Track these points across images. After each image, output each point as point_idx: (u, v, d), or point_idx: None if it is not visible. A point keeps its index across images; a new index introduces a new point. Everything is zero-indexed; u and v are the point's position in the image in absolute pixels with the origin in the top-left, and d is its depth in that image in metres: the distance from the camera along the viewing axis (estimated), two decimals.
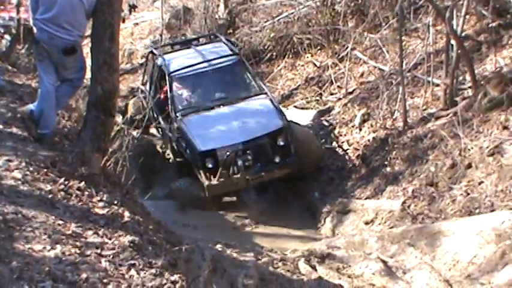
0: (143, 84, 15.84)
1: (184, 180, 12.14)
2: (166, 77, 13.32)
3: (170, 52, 14.71)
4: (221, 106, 12.74)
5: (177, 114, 12.61)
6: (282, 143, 11.95)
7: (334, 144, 13.44)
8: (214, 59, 13.49)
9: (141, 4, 25.70)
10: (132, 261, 5.13)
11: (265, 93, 12.96)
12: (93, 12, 7.23)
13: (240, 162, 11.56)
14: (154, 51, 15.04)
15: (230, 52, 13.82)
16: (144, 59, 19.01)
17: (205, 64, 13.41)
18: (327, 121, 14.25)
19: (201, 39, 15.96)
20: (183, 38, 19.14)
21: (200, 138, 11.94)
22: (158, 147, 14.88)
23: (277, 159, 11.83)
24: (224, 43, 14.42)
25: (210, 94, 13.20)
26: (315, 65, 16.61)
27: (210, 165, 11.63)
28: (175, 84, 13.22)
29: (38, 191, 5.94)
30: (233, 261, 7.33)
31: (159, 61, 14.13)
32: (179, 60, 13.84)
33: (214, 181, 11.48)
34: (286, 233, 11.09)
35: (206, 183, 11.49)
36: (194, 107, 12.91)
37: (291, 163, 11.93)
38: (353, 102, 14.27)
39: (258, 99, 12.88)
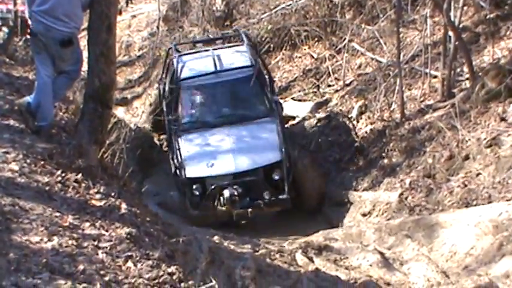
0: (161, 80, 14.75)
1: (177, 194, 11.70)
2: (176, 84, 12.55)
3: (188, 54, 13.66)
4: (223, 125, 11.95)
5: (177, 129, 11.96)
6: (276, 178, 11.18)
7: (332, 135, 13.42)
8: (229, 69, 12.58)
9: None
10: (129, 253, 5.13)
11: (274, 116, 12.02)
12: (90, 4, 7.22)
13: (227, 195, 10.74)
14: (173, 50, 13.85)
15: (249, 59, 12.80)
16: (141, 51, 19.08)
17: (218, 74, 12.51)
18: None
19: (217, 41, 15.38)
20: (208, 35, 18.42)
21: (191, 162, 11.34)
22: (155, 140, 14.88)
23: (267, 196, 10.96)
24: (246, 46, 13.34)
25: (216, 110, 12.56)
26: (313, 56, 16.60)
27: (196, 193, 11.05)
28: (182, 94, 12.51)
29: (35, 183, 5.94)
30: (231, 253, 7.33)
31: (174, 62, 13.12)
32: (193, 65, 12.95)
33: (197, 212, 10.95)
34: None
35: (190, 211, 11.00)
36: (196, 123, 12.27)
37: (283, 201, 11.02)
38: (350, 94, 14.28)
39: (264, 123, 11.99)
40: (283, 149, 11.33)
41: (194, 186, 11.07)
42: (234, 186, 10.86)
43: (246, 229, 10.72)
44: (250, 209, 10.78)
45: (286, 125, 14.47)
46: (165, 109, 12.58)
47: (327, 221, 11.26)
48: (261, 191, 11.00)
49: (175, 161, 11.52)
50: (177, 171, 11.43)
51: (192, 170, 11.18)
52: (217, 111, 12.49)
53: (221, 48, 13.67)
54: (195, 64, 12.99)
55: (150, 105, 15.55)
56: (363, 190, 11.37)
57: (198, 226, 10.04)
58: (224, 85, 12.52)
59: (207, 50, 13.48)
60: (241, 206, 10.81)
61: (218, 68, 12.54)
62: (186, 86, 12.48)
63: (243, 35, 14.16)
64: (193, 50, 14.34)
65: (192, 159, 11.37)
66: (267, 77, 13.03)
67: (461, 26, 12.20)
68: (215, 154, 11.44)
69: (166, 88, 12.95)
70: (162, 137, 14.72)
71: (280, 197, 11.00)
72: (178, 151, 11.48)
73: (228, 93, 12.61)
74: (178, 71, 12.65)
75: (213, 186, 10.94)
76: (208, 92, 12.67)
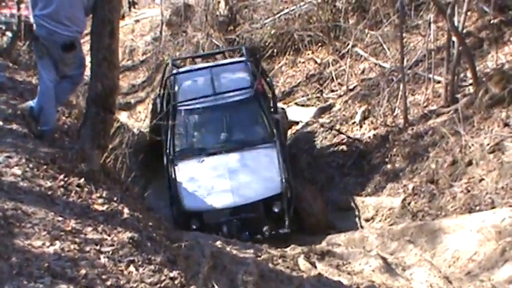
0: (158, 96, 14.03)
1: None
2: (172, 107, 11.82)
3: (185, 72, 13.03)
4: (221, 152, 11.34)
5: (173, 157, 11.40)
6: (276, 210, 10.65)
7: (335, 140, 13.43)
8: (227, 92, 11.91)
9: (142, 1, 25.71)
10: (131, 258, 5.13)
11: (275, 141, 11.34)
12: (93, 9, 7.22)
13: (225, 229, 10.32)
14: (170, 65, 13.43)
15: (249, 79, 12.15)
16: (144, 56, 19.07)
17: (216, 97, 11.85)
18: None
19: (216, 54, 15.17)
20: (211, 40, 18.26)
21: (188, 194, 10.78)
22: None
23: (267, 231, 10.43)
24: (246, 64, 12.72)
25: (213, 135, 11.88)
26: (316, 62, 16.62)
27: (194, 226, 10.38)
28: (178, 118, 11.82)
29: (37, 187, 5.94)
30: (233, 257, 7.32)
31: (171, 81, 12.48)
32: (190, 86, 12.34)
33: None
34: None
35: None
36: (192, 150, 11.69)
37: (283, 236, 10.42)
38: (354, 99, 14.28)
39: (263, 149, 11.33)
40: (283, 180, 10.75)
41: (191, 220, 10.56)
42: (233, 221, 10.47)
43: None
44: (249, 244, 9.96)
45: (290, 131, 14.52)
46: (162, 132, 11.94)
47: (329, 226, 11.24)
48: (260, 225, 10.51)
49: (172, 190, 11.03)
50: (173, 201, 10.94)
51: (189, 203, 10.69)
52: (215, 137, 11.82)
53: (220, 65, 12.99)
54: (192, 85, 12.43)
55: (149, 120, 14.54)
56: (366, 195, 11.37)
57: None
58: (222, 108, 11.88)
59: (205, 68, 12.85)
60: (240, 240, 9.91)
61: (216, 90, 11.94)
62: (182, 109, 11.89)
63: (243, 49, 13.75)
64: (191, 67, 13.89)
65: (188, 191, 10.84)
66: (270, 94, 12.49)
67: (464, 31, 12.21)
68: (214, 184, 10.84)
69: (164, 108, 12.17)
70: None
71: (281, 231, 10.50)
72: (174, 180, 11.02)
73: (226, 117, 11.95)
74: (175, 91, 12.12)
75: (210, 221, 10.50)
76: (205, 116, 12.02)
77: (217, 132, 11.85)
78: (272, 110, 12.02)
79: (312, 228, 10.82)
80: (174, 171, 11.12)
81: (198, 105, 11.88)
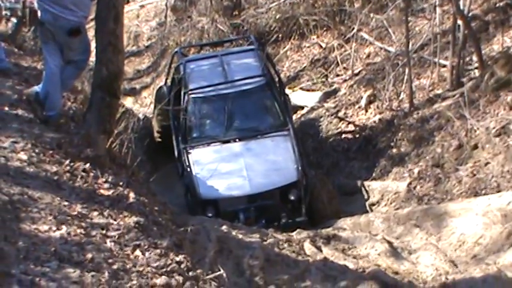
0: (165, 85, 13.83)
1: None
2: (183, 95, 11.77)
3: (195, 59, 12.97)
4: (235, 140, 11.25)
5: (186, 145, 11.25)
6: (292, 198, 10.53)
7: (340, 125, 13.42)
8: (240, 79, 11.87)
9: None
10: (137, 242, 5.15)
11: (288, 129, 11.27)
12: None
13: (241, 217, 10.18)
14: (179, 54, 13.24)
15: (260, 66, 12.11)
16: (149, 41, 19.02)
17: (228, 85, 11.82)
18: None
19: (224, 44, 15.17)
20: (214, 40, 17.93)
21: (203, 182, 10.63)
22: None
23: (284, 219, 10.33)
24: (256, 52, 12.64)
25: (227, 123, 11.60)
26: (321, 46, 16.57)
27: (209, 214, 10.07)
28: (191, 106, 11.72)
29: (43, 172, 5.96)
30: (239, 242, 7.33)
31: (180, 69, 12.41)
32: (201, 74, 12.25)
33: None
34: None
35: None
36: (206, 137, 11.46)
37: (300, 223, 10.12)
38: (359, 83, 14.25)
39: (277, 137, 11.24)
40: (299, 168, 10.66)
41: (207, 208, 10.38)
42: (250, 209, 10.36)
43: None
44: None
45: (295, 116, 14.50)
46: (172, 120, 11.97)
47: None
48: (277, 213, 10.41)
49: (185, 178, 10.95)
50: (188, 189, 10.84)
51: (205, 191, 10.52)
52: (229, 125, 11.61)
53: (230, 53, 13.01)
54: (203, 72, 12.34)
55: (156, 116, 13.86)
56: (372, 180, 11.37)
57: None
58: (235, 96, 11.74)
59: (215, 56, 12.88)
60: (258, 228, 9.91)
61: (228, 78, 11.95)
62: (195, 96, 11.77)
63: (252, 37, 13.67)
64: (201, 55, 13.83)
65: (204, 179, 10.69)
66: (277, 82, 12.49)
67: (470, 14, 12.15)
68: (228, 174, 10.74)
69: (171, 96, 12.15)
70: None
71: (298, 219, 10.34)
72: (188, 168, 10.90)
73: (239, 105, 11.76)
74: (186, 79, 12.02)
75: (227, 209, 10.36)
76: (218, 103, 11.80)
77: (230, 120, 11.69)
78: (282, 98, 11.98)
79: (320, 216, 10.63)
80: (188, 159, 11.02)
81: (210, 93, 11.81)
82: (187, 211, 10.42)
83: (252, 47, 13.00)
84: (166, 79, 13.73)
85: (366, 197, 10.94)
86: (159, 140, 12.97)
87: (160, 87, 13.87)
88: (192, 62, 12.60)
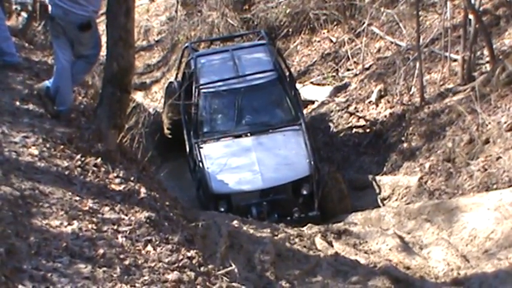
0: (176, 79, 13.77)
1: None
2: (194, 90, 11.74)
3: (205, 54, 12.96)
4: (247, 135, 11.22)
5: (198, 140, 11.24)
6: (305, 193, 10.52)
7: (351, 119, 13.39)
8: (250, 74, 11.87)
9: None
10: (149, 237, 5.16)
11: (300, 124, 11.26)
12: None
13: (254, 211, 10.13)
14: (190, 50, 13.13)
15: (271, 61, 12.09)
16: (159, 36, 19.00)
17: (239, 80, 11.82)
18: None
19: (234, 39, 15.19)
20: (226, 19, 18.09)
21: (215, 177, 10.65)
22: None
23: (297, 213, 10.29)
24: (267, 47, 12.63)
25: (239, 117, 11.61)
26: (331, 40, 16.53)
27: (222, 209, 10.10)
28: (202, 100, 11.70)
29: (54, 167, 5.96)
30: (250, 237, 7.32)
31: (191, 64, 12.41)
32: (212, 68, 12.28)
33: None
34: None
35: None
36: (218, 132, 11.45)
37: (312, 218, 10.13)
38: (370, 78, 14.21)
39: (289, 132, 11.26)
40: (312, 162, 10.66)
41: (220, 203, 10.38)
42: (262, 204, 10.30)
43: None
44: None
45: (306, 111, 14.49)
46: (183, 115, 11.93)
47: None
48: (290, 207, 10.37)
49: (197, 173, 10.96)
50: (200, 184, 10.85)
51: (217, 186, 10.55)
52: (240, 119, 11.62)
53: (241, 48, 13.04)
54: (214, 67, 12.35)
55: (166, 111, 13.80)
56: (382, 174, 11.35)
57: None
58: (247, 91, 11.72)
59: (226, 50, 12.86)
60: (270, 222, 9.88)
61: (239, 72, 11.92)
62: (206, 91, 11.75)
63: (262, 32, 13.59)
64: (211, 50, 13.85)
65: (216, 173, 10.70)
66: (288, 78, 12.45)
67: (481, 8, 12.09)
68: (240, 168, 10.75)
69: (182, 91, 12.10)
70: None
71: (310, 214, 10.34)
72: (200, 163, 10.89)
73: (250, 99, 11.77)
74: (197, 74, 12.01)
75: (239, 203, 10.37)
76: (229, 98, 11.79)
77: (241, 114, 11.69)
78: (294, 93, 11.99)
79: (331, 214, 10.56)
80: (199, 154, 11.01)
81: (221, 88, 11.82)
82: (200, 206, 10.47)
83: (262, 41, 12.97)
84: (177, 74, 13.71)
85: (377, 191, 10.91)
86: (170, 135, 12.95)
87: (171, 83, 13.82)
88: (202, 57, 12.57)
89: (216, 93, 11.82)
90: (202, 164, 10.86)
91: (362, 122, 13.16)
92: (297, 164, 10.75)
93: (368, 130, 12.84)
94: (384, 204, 10.51)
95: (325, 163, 11.68)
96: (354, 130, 13.11)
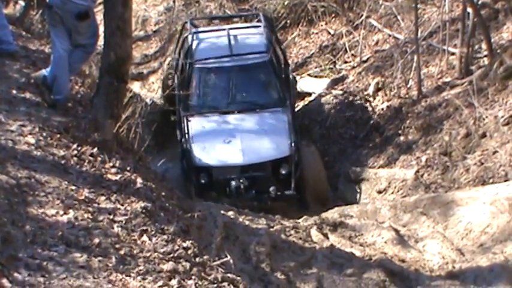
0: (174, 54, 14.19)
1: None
2: (189, 63, 12.13)
3: (203, 31, 13.46)
4: (234, 112, 11.70)
5: (187, 113, 11.65)
6: (283, 173, 10.95)
7: (348, 112, 13.38)
8: (243, 54, 12.22)
9: None
10: (145, 227, 5.15)
11: (286, 106, 11.71)
12: None
13: (233, 186, 10.63)
14: (189, 25, 13.56)
15: (265, 43, 12.42)
16: (157, 26, 18.99)
17: (232, 58, 12.19)
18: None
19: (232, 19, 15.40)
20: (224, 11, 18.17)
21: (199, 150, 11.09)
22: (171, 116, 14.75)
23: (273, 191, 10.70)
24: (263, 29, 12.91)
25: (228, 95, 12.08)
26: (329, 33, 16.51)
27: (202, 181, 10.82)
28: (195, 75, 12.13)
29: (51, 156, 5.95)
30: (245, 228, 7.35)
31: (189, 39, 12.73)
32: (208, 45, 12.67)
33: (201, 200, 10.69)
34: None
35: (194, 199, 10.56)
36: (207, 107, 11.97)
37: (289, 197, 10.87)
38: (367, 70, 14.21)
39: (275, 113, 11.69)
40: (292, 144, 11.07)
41: (201, 175, 10.88)
42: (241, 179, 10.70)
43: None
44: (255, 203, 10.45)
45: (303, 103, 14.51)
46: (177, 87, 12.26)
47: (341, 197, 11.26)
48: (267, 185, 10.78)
49: (183, 144, 11.37)
50: (185, 155, 11.30)
51: (200, 158, 11.00)
52: (229, 97, 12.09)
53: (238, 28, 13.45)
54: (210, 44, 12.72)
55: (163, 80, 14.90)
56: (379, 167, 11.35)
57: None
58: (238, 70, 12.18)
59: (223, 29, 13.15)
60: (247, 198, 10.60)
61: (233, 51, 12.24)
62: (199, 67, 12.14)
63: (261, 16, 13.76)
64: (209, 28, 14.19)
65: (200, 146, 11.14)
66: (283, 61, 12.75)
67: (480, 2, 12.11)
68: (224, 144, 11.16)
69: (179, 64, 12.62)
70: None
71: (287, 192, 10.82)
72: (187, 135, 11.32)
73: (241, 79, 12.19)
74: (193, 49, 12.38)
75: (219, 177, 10.84)
76: (221, 75, 12.32)
77: (231, 92, 12.12)
78: (284, 76, 12.28)
79: (312, 196, 11.20)
80: (187, 126, 11.41)
81: (214, 65, 12.23)
82: (182, 176, 11.06)
83: (259, 24, 13.28)
84: (175, 48, 13.99)
85: (373, 184, 10.92)
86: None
87: (171, 63, 14.45)
88: (200, 34, 13.07)
89: (208, 69, 12.26)
90: (188, 136, 11.28)
91: (359, 115, 13.15)
92: (279, 144, 11.18)
93: (365, 123, 12.83)
94: (380, 197, 10.51)
95: (304, 141, 12.16)
96: (351, 123, 13.10)
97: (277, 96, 12.03)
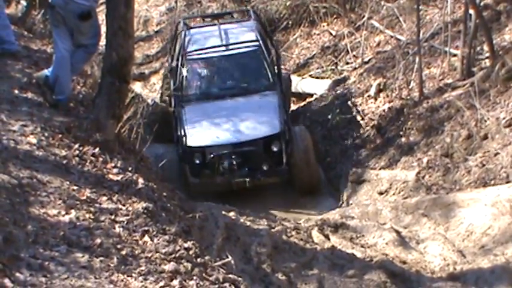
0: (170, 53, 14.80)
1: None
2: (182, 56, 12.66)
3: (195, 27, 14.08)
4: (226, 97, 12.25)
5: (181, 99, 12.22)
6: (275, 149, 11.37)
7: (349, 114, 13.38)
8: (234, 43, 12.85)
9: None
10: (146, 228, 5.16)
11: (276, 90, 12.31)
12: None
13: (226, 164, 11.15)
14: (182, 24, 13.96)
15: (255, 34, 13.02)
16: (159, 26, 19.00)
17: (223, 48, 12.83)
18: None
19: (226, 16, 15.55)
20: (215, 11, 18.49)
21: (192, 132, 11.51)
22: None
23: (266, 167, 11.28)
24: (253, 22, 13.64)
25: (220, 82, 12.76)
26: (331, 34, 16.51)
27: (197, 161, 11.31)
28: (188, 65, 12.64)
29: (53, 156, 5.96)
30: (247, 229, 7.35)
31: (182, 35, 13.32)
32: (199, 39, 13.28)
33: (197, 179, 11.28)
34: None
35: (190, 179, 11.33)
36: (200, 94, 12.54)
37: (280, 172, 11.43)
38: (369, 72, 14.19)
39: (265, 96, 12.23)
40: (282, 122, 11.56)
41: (195, 155, 11.33)
42: (233, 156, 11.19)
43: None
44: (248, 179, 11.18)
45: (303, 102, 14.54)
46: (172, 80, 12.89)
47: (343, 199, 11.26)
48: (259, 162, 11.28)
49: (178, 130, 11.83)
50: (179, 139, 11.70)
51: (194, 139, 11.42)
52: (221, 84, 12.74)
53: (228, 23, 13.98)
54: (202, 37, 13.33)
55: (163, 79, 15.57)
56: (380, 168, 11.33)
57: (197, 193, 10.66)
58: (229, 58, 12.83)
59: (214, 25, 13.76)
60: (240, 175, 11.19)
61: (224, 42, 12.87)
62: (192, 58, 12.70)
63: (251, 11, 14.46)
64: (201, 24, 14.70)
65: (193, 128, 11.57)
66: (273, 52, 13.13)
67: (482, 3, 12.09)
68: (216, 125, 11.73)
69: (174, 60, 13.11)
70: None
71: (279, 168, 11.36)
72: (180, 120, 11.78)
73: (232, 67, 12.84)
74: (185, 43, 12.89)
75: (212, 155, 11.21)
76: (213, 64, 12.87)
77: (223, 80, 12.79)
78: (276, 69, 12.73)
79: (303, 177, 11.49)
80: (181, 112, 11.93)
81: (207, 55, 12.81)
82: (178, 158, 11.67)
83: (249, 18, 14.04)
84: (170, 46, 14.55)
85: (374, 185, 10.91)
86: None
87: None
88: (192, 29, 13.71)
89: (200, 59, 12.82)
90: (182, 121, 11.74)
91: (360, 116, 13.15)
92: (269, 122, 11.64)
93: (366, 124, 12.82)
94: (381, 199, 10.50)
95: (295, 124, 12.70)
96: (352, 124, 13.10)
97: (267, 81, 12.54)
